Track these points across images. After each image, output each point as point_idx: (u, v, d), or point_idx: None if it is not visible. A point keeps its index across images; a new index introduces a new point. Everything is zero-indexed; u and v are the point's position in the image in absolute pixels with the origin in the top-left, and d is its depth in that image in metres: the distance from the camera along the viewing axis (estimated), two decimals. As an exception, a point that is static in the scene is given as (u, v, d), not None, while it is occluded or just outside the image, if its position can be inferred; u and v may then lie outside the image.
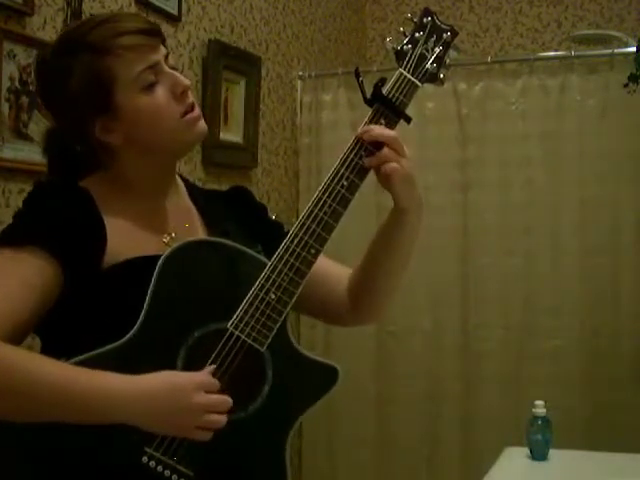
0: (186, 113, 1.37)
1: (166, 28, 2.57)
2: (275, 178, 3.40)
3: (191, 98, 1.39)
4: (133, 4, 2.46)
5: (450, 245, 3.31)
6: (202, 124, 1.40)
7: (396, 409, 3.34)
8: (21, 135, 2.02)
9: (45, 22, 2.11)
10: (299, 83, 3.55)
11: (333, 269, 1.55)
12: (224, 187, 1.65)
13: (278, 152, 3.43)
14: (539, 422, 2.29)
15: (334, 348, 3.36)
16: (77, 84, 1.33)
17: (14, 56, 1.99)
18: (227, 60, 2.96)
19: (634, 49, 2.74)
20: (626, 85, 2.69)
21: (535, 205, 3.23)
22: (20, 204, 1.98)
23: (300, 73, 3.55)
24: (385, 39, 1.42)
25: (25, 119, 2.03)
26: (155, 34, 1.38)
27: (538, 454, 2.29)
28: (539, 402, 2.31)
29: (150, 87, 1.34)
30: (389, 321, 3.28)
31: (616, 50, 3.17)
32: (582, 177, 3.17)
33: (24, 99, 2.02)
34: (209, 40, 2.87)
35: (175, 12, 2.65)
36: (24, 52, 2.02)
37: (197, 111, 1.39)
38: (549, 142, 3.22)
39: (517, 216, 3.24)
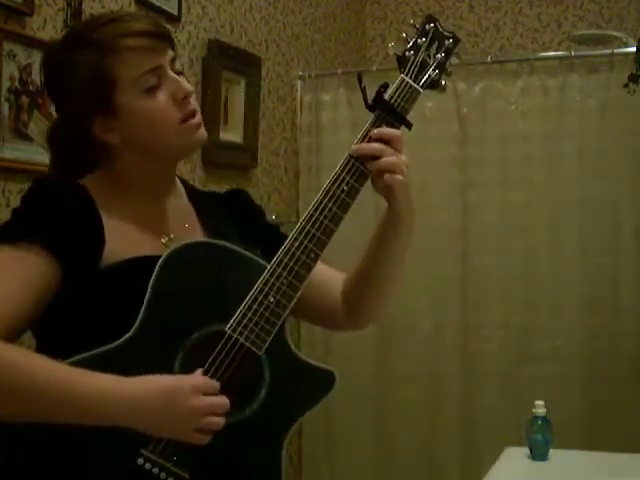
0: (186, 119, 1.37)
1: (166, 28, 2.57)
2: (275, 178, 3.40)
3: (193, 104, 1.38)
4: (133, 4, 2.46)
5: (450, 245, 3.31)
6: (202, 132, 1.40)
7: (396, 409, 3.34)
8: (21, 135, 2.02)
9: (45, 22, 2.11)
10: (299, 83, 3.55)
11: (328, 274, 1.53)
12: (224, 187, 1.66)
13: (278, 152, 3.43)
14: (539, 422, 2.28)
15: (334, 348, 3.35)
16: (79, 80, 1.34)
17: (14, 56, 1.99)
18: (227, 60, 2.95)
19: (634, 49, 2.74)
20: (626, 85, 2.69)
21: (535, 205, 3.23)
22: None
23: (300, 73, 3.54)
24: (388, 44, 1.42)
25: (25, 119, 2.03)
26: (162, 37, 1.38)
27: (538, 454, 2.28)
28: (539, 402, 2.31)
29: (151, 90, 1.34)
30: (389, 321, 3.27)
31: (616, 50, 3.17)
32: (582, 177, 3.17)
33: (24, 99, 2.02)
34: (209, 40, 2.87)
35: (175, 12, 2.65)
36: (24, 52, 2.02)
37: (198, 118, 1.39)
38: (549, 142, 3.22)
39: (517, 216, 3.24)
